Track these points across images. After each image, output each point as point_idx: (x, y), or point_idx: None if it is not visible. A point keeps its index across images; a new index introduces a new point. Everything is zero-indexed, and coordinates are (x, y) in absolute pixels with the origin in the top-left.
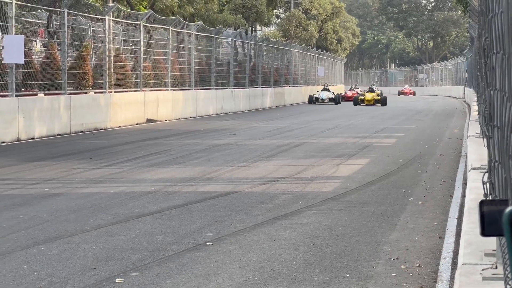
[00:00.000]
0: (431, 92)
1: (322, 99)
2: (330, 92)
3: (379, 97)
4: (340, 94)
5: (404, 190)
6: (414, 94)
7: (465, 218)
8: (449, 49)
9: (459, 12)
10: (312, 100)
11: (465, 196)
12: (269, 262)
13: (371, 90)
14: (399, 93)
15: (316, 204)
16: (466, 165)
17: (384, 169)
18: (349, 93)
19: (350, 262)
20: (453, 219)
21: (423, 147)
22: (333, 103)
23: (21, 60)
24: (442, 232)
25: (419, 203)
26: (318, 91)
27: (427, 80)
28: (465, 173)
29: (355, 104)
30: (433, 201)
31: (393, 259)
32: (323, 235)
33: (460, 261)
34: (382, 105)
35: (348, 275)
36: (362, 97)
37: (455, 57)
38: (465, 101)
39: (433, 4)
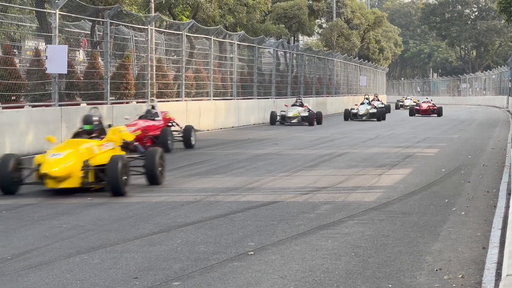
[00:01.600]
0: (474, 102)
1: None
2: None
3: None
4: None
5: (447, 200)
6: (439, 114)
7: (509, 228)
8: (492, 58)
9: (503, 21)
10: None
11: (509, 207)
12: (311, 272)
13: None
14: (413, 112)
15: (358, 214)
16: (510, 175)
17: (426, 179)
18: None
19: (392, 273)
20: (496, 229)
21: (466, 157)
22: None
23: (64, 70)
24: (485, 243)
25: (462, 213)
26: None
27: (470, 89)
28: (509, 183)
29: None
30: (476, 212)
31: (436, 270)
32: (365, 245)
33: (504, 272)
34: None
35: (390, 285)
36: None
37: (499, 66)
38: (508, 111)
39: (476, 13)
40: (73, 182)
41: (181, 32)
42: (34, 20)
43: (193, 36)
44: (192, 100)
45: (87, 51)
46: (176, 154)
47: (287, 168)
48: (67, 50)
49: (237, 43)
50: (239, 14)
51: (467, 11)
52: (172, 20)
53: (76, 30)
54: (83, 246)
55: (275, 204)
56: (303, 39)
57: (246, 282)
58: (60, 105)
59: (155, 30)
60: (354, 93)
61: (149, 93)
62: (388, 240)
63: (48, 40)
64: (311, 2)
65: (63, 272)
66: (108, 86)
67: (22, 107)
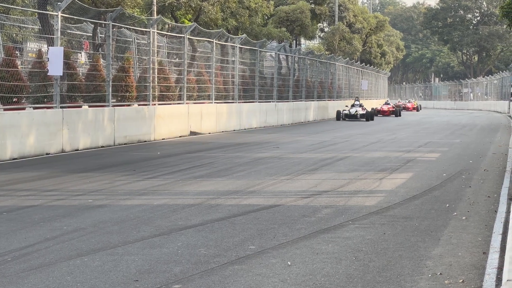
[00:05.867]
0: (475, 107)
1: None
2: None
3: None
4: None
5: (447, 205)
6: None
7: (510, 233)
8: (494, 63)
9: (505, 26)
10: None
11: (509, 212)
12: (311, 276)
13: None
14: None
15: (359, 218)
16: (511, 181)
17: (427, 184)
18: None
19: (393, 277)
20: (497, 234)
21: (467, 162)
22: None
23: (60, 72)
24: (486, 248)
25: (463, 218)
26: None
27: (471, 94)
28: (510, 189)
29: None
30: (477, 216)
31: (437, 275)
32: (365, 249)
33: (504, 277)
34: None
35: None
36: None
37: (500, 71)
38: (510, 116)
39: (478, 18)
40: None
41: (183, 35)
42: (36, 22)
43: (195, 39)
44: (194, 103)
45: (89, 54)
46: (177, 157)
47: (288, 171)
48: (62, 52)
49: (239, 47)
50: (241, 18)
51: (469, 16)
52: (174, 23)
53: (78, 32)
54: (84, 248)
55: (276, 208)
56: (305, 43)
57: (247, 285)
58: (61, 107)
59: (157, 33)
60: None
61: (151, 95)
62: (389, 245)
63: (50, 42)
64: (313, 6)
65: (64, 274)
66: (110, 88)
67: (23, 108)
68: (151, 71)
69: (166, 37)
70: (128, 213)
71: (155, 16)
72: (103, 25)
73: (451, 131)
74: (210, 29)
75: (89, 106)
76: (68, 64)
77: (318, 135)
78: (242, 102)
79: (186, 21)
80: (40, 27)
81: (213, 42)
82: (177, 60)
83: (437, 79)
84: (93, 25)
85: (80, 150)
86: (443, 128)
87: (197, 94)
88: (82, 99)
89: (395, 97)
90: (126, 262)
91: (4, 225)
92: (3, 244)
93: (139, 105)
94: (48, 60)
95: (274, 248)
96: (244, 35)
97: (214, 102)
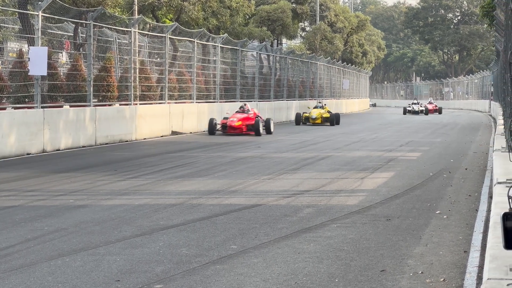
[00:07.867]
0: (456, 106)
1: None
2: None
3: None
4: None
5: (429, 204)
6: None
7: (490, 232)
8: (475, 62)
9: (485, 25)
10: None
11: (490, 210)
12: (293, 275)
13: None
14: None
15: (340, 217)
16: (491, 179)
17: (409, 183)
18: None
19: (374, 276)
20: (478, 233)
21: (448, 161)
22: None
23: (44, 72)
24: (467, 247)
25: (444, 217)
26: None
27: (452, 93)
28: (490, 187)
29: None
30: (458, 215)
31: (418, 273)
32: (347, 248)
33: (485, 275)
34: None
35: None
36: None
37: (481, 70)
38: (490, 115)
39: (459, 17)
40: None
41: (164, 35)
42: (16, 22)
43: (176, 38)
44: (175, 102)
45: (70, 53)
46: (159, 156)
47: (269, 171)
48: (47, 52)
49: (220, 46)
50: (222, 17)
51: (450, 15)
52: (155, 23)
53: (59, 32)
54: (65, 248)
55: (257, 207)
56: (286, 43)
57: (229, 285)
58: (42, 107)
59: (138, 32)
60: (337, 97)
61: (132, 95)
62: (371, 244)
63: (31, 42)
64: (294, 5)
65: (45, 274)
66: (91, 88)
67: (4, 108)
68: (132, 71)
69: (147, 37)
70: (110, 213)
71: (136, 16)
72: (84, 24)
73: (432, 130)
74: (191, 29)
75: (70, 106)
76: (49, 64)
77: (300, 134)
78: (224, 102)
79: (167, 20)
80: (21, 27)
81: (194, 41)
82: (158, 59)
83: (418, 78)
84: (74, 25)
85: (62, 150)
86: (425, 127)
87: (179, 93)
88: (63, 99)
89: (376, 96)
90: (108, 262)
91: None
92: None
93: (120, 104)
94: (29, 60)
95: (255, 247)
96: (226, 34)
97: (196, 102)
